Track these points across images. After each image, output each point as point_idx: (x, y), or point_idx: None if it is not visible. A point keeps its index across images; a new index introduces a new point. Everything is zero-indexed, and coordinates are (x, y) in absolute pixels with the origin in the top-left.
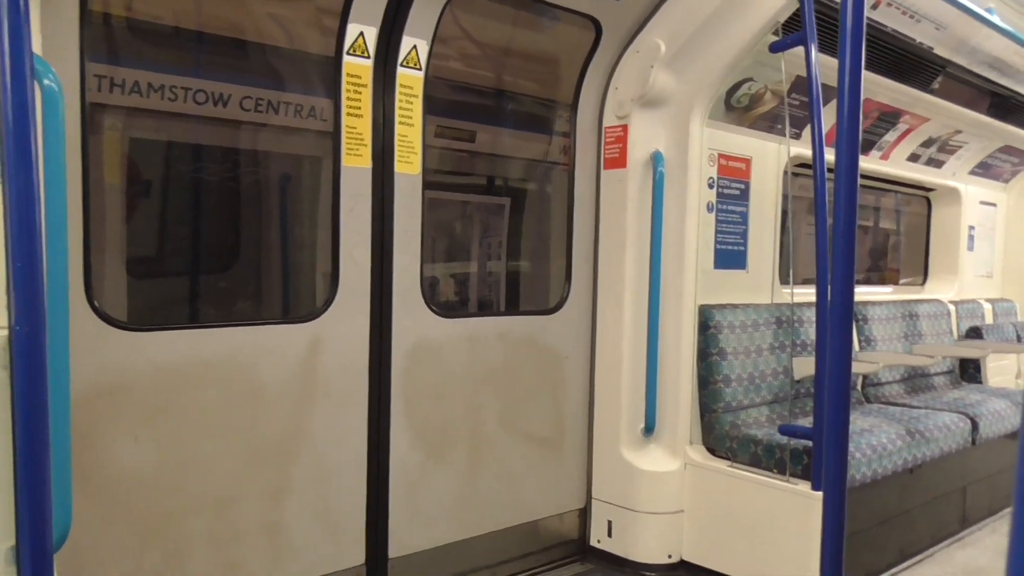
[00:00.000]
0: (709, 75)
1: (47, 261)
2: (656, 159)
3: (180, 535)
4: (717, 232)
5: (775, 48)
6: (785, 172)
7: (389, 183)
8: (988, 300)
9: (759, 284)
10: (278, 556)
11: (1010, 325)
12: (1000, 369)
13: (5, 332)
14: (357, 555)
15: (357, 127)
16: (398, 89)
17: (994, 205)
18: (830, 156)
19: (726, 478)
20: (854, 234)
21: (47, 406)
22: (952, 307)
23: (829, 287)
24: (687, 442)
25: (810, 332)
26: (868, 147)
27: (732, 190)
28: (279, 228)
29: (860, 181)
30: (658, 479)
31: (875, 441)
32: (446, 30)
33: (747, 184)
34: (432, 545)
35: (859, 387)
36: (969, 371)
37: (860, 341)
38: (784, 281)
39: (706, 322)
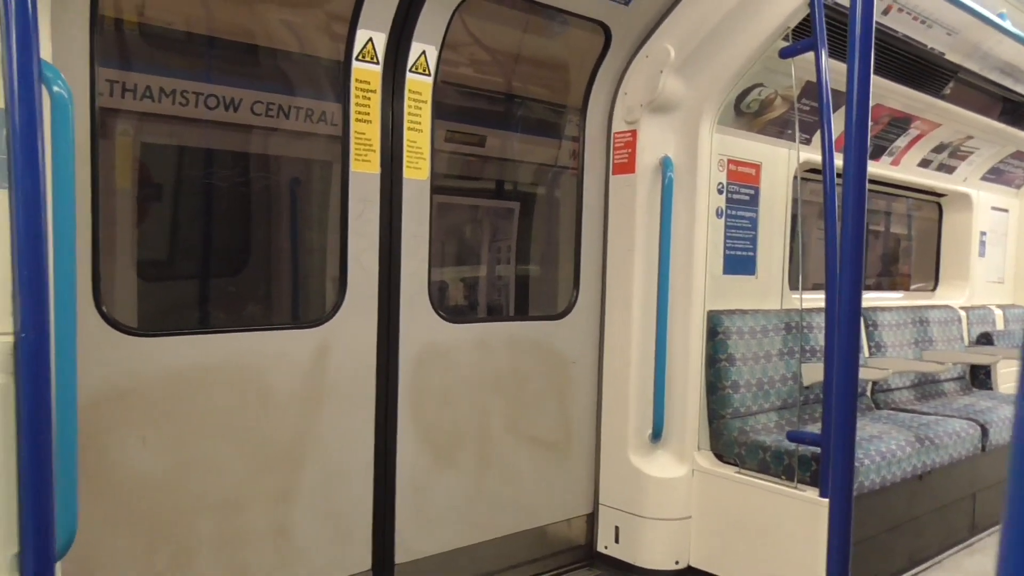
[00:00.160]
0: (719, 81)
1: (54, 267)
2: (665, 164)
3: (188, 539)
4: (726, 237)
5: (785, 54)
6: (795, 177)
7: (397, 188)
8: (999, 306)
9: (768, 290)
10: (285, 560)
11: (1021, 331)
12: (1011, 375)
13: (10, 338)
14: (364, 559)
15: (366, 133)
16: (407, 95)
17: (1006, 211)
18: (840, 162)
19: (734, 484)
20: (862, 240)
21: (51, 412)
22: (963, 313)
23: (838, 293)
24: (695, 448)
25: (820, 338)
26: (879, 152)
27: (742, 195)
28: (289, 233)
29: (871, 187)
30: (666, 485)
31: (884, 447)
32: (455, 35)
33: (757, 189)
34: (439, 550)
35: (869, 393)
36: (979, 377)
37: (870, 347)
38: (793, 287)
39: (715, 328)
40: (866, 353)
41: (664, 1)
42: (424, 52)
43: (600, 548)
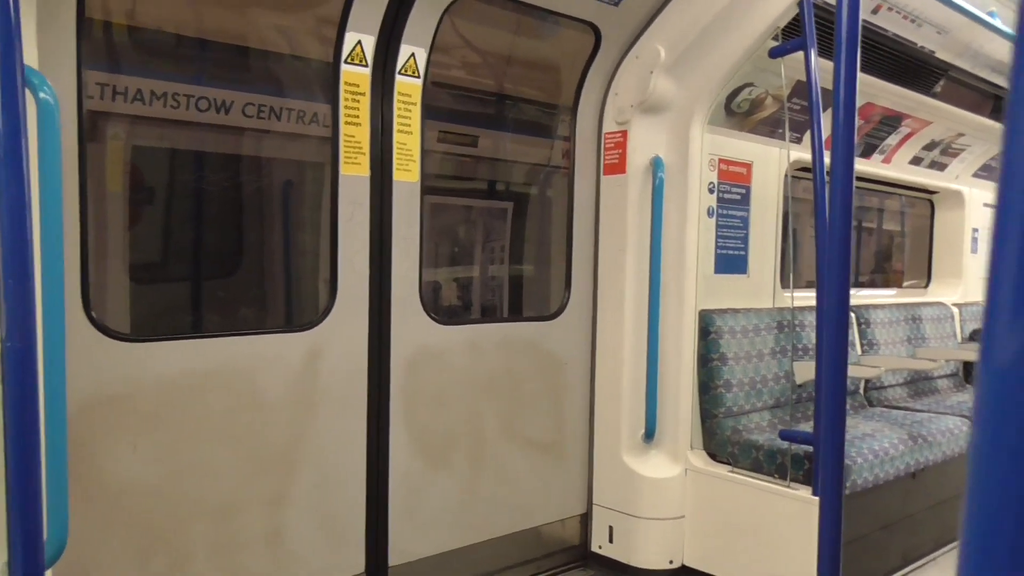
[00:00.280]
0: (709, 81)
1: (42, 274)
2: (656, 164)
3: (182, 544)
4: (718, 237)
5: (775, 53)
6: (786, 176)
7: (388, 191)
8: None
9: (760, 289)
10: (279, 564)
11: None
12: None
13: None
14: (357, 562)
15: (355, 135)
16: (396, 97)
17: None
18: (830, 160)
19: (727, 483)
20: (849, 239)
21: (39, 421)
22: (956, 310)
23: (826, 290)
24: (688, 447)
25: (812, 336)
26: (870, 150)
27: (733, 195)
28: (281, 235)
29: (863, 184)
30: (659, 485)
31: (877, 446)
32: (445, 37)
33: (748, 189)
34: (433, 552)
35: (862, 391)
36: (973, 374)
37: (863, 344)
38: (785, 285)
39: (707, 327)
40: (859, 351)
41: (654, 2)
42: (413, 54)
43: (594, 548)
